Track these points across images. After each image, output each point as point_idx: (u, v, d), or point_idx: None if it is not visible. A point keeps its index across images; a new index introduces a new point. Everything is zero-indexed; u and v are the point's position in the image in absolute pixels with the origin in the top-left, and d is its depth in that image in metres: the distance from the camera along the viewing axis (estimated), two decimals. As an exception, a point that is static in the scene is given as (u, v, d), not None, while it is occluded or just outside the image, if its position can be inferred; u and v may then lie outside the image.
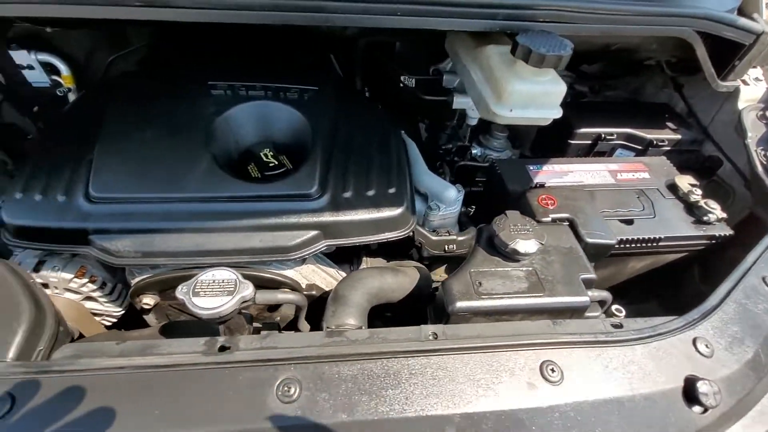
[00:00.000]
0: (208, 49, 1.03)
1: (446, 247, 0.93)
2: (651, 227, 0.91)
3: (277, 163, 0.78)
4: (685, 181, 1.01)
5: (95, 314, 0.90)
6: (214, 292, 0.54)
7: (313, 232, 0.73)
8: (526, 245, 0.65)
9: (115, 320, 0.93)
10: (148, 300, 0.74)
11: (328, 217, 0.74)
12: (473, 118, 1.12)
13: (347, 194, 0.76)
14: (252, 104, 0.82)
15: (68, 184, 0.72)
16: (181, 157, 0.73)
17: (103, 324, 0.92)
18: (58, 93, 1.24)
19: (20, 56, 1.17)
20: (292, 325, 0.82)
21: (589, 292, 0.65)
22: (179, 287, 0.54)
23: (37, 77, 1.22)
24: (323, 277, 0.85)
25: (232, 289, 0.54)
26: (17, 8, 0.64)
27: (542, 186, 0.91)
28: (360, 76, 1.18)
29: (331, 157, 0.79)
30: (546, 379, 0.54)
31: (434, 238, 0.91)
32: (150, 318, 0.81)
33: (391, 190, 0.79)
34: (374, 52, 1.14)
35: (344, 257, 0.92)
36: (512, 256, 0.67)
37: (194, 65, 0.94)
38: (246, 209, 0.71)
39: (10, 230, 0.71)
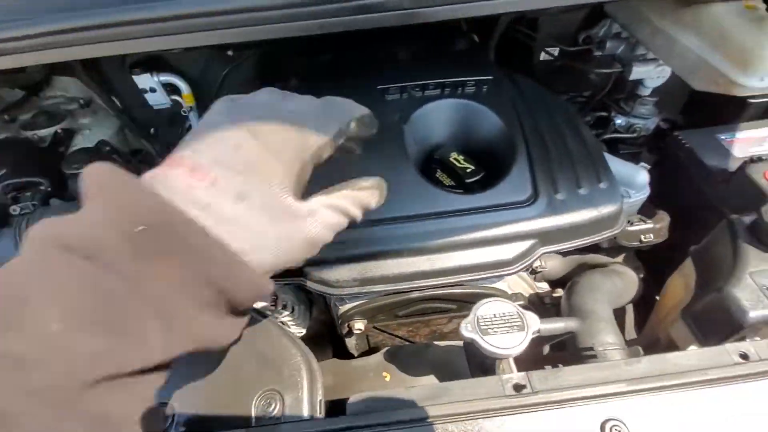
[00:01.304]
0: (334, 49, 0.97)
1: (642, 237, 0.84)
2: None
3: (473, 167, 0.72)
4: None
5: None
6: (502, 328, 0.49)
7: (531, 241, 0.67)
8: (819, 238, 0.55)
9: (294, 341, 0.92)
10: (360, 325, 0.71)
11: (545, 223, 0.67)
12: (648, 88, 1.00)
13: (560, 195, 0.68)
14: (435, 105, 0.75)
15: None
16: (387, 174, 0.67)
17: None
18: (183, 113, 1.23)
19: (143, 80, 1.16)
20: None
21: None
22: (462, 325, 0.50)
23: (158, 99, 1.21)
24: (521, 283, 0.79)
25: (519, 323, 0.49)
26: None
27: (759, 159, 0.79)
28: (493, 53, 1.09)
29: (531, 154, 0.72)
30: None
31: (631, 228, 0.83)
32: (350, 341, 0.79)
33: (603, 185, 0.71)
34: (510, 24, 1.03)
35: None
36: (795, 252, 0.58)
37: (345, 69, 0.88)
38: (464, 224, 0.65)
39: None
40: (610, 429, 0.45)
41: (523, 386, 0.48)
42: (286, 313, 0.81)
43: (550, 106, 0.82)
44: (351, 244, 0.65)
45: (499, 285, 0.73)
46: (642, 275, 0.92)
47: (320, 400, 0.51)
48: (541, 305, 0.82)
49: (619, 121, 1.15)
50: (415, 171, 0.68)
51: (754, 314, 0.54)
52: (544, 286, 0.91)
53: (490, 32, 1.04)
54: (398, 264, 0.65)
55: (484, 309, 0.50)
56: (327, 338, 0.96)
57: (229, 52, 1.03)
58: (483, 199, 0.67)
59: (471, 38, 0.97)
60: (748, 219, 0.63)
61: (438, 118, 0.76)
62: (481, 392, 0.48)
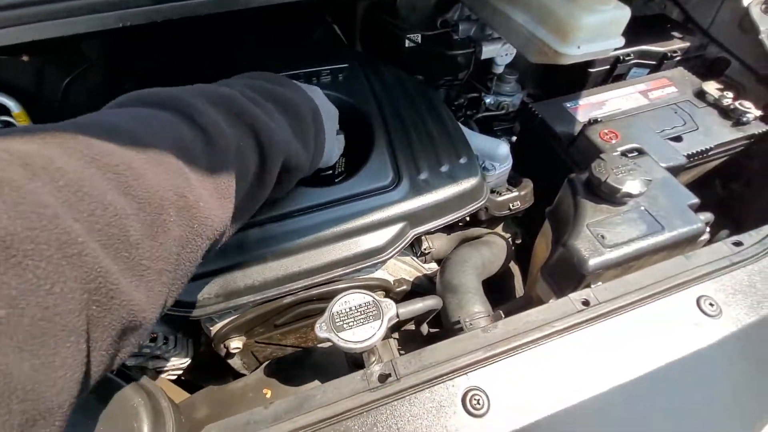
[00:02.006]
0: (188, 49, 0.89)
1: (511, 205, 0.89)
2: (699, 139, 0.91)
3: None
4: (712, 87, 1.02)
5: (160, 371, 0.80)
6: (358, 321, 0.47)
7: (400, 225, 0.66)
8: (637, 185, 0.62)
9: (180, 372, 0.83)
10: (237, 344, 0.66)
11: (411, 205, 0.67)
12: (500, 65, 1.05)
13: (423, 175, 0.69)
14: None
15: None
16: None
17: (168, 379, 0.83)
18: (14, 135, 1.04)
19: (-46, 102, 0.96)
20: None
21: (701, 216, 0.64)
22: (317, 326, 0.47)
23: (-20, 122, 1.01)
24: (404, 267, 0.79)
25: (375, 312, 0.47)
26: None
27: (596, 121, 0.88)
28: (359, 43, 1.08)
29: (391, 138, 0.71)
30: (707, 314, 0.53)
31: (499, 198, 0.87)
32: (235, 361, 0.73)
33: (462, 160, 0.73)
34: (373, 13, 1.03)
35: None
36: (621, 200, 0.64)
37: (196, 65, 0.81)
38: (329, 217, 0.63)
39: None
40: (470, 399, 0.45)
41: (388, 375, 0.47)
42: (158, 345, 0.72)
43: (410, 89, 0.82)
44: (209, 256, 0.60)
45: (379, 273, 0.72)
46: (519, 241, 0.98)
47: (172, 439, 0.46)
48: (430, 285, 0.84)
49: (489, 99, 1.21)
50: (269, 169, 0.64)
51: (593, 262, 0.59)
52: (435, 267, 0.92)
53: (353, 21, 1.03)
54: (264, 270, 0.61)
55: (339, 305, 0.48)
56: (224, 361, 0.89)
57: (24, 58, 0.89)
58: (345, 189, 0.65)
59: (329, 27, 0.95)
60: (584, 176, 0.69)
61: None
62: (346, 391, 0.46)
